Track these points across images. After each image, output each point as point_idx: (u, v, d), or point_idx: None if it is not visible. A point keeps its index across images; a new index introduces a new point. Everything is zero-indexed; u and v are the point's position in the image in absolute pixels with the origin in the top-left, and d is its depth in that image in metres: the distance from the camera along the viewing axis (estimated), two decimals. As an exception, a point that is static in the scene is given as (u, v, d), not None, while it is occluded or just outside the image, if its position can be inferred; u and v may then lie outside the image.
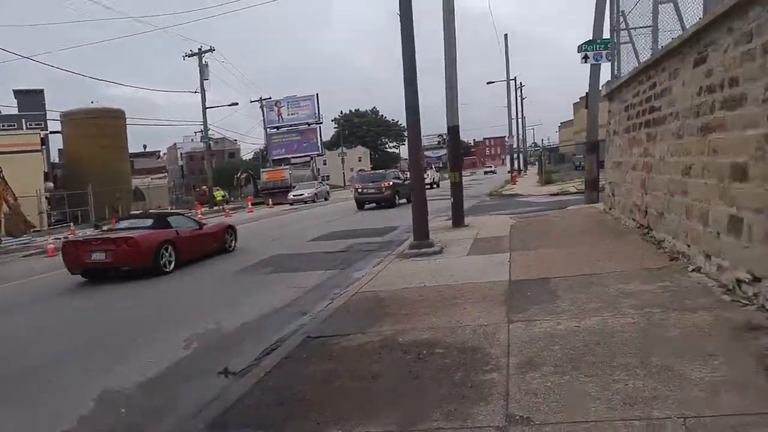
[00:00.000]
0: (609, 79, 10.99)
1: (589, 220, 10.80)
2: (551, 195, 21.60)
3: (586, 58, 11.56)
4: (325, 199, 37.62)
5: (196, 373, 5.04)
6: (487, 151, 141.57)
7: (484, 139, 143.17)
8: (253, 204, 38.69)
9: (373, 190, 22.89)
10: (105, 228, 21.67)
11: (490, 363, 3.95)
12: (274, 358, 4.86)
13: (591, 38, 12.25)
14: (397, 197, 22.64)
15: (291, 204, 34.92)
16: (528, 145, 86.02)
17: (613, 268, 6.38)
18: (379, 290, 6.81)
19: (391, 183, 22.59)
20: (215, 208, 41.22)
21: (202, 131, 42.40)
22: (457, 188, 11.91)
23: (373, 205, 23.56)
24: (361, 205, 23.45)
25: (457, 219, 12.08)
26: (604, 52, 11.20)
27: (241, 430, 3.45)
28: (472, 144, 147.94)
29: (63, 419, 4.22)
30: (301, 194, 36.42)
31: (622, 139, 9.40)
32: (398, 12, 8.72)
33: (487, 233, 10.59)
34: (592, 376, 3.49)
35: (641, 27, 7.98)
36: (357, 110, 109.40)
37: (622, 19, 9.19)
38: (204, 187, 49.11)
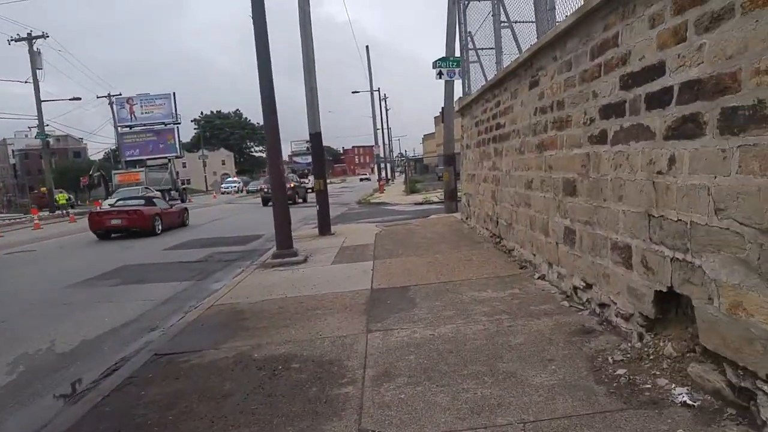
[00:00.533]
0: (461, 95, 11.67)
1: (447, 229, 11.34)
2: (416, 204, 22.45)
3: (440, 74, 12.16)
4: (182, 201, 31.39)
5: (22, 399, 4.43)
6: (357, 159, 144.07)
7: (353, 147, 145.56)
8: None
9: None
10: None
11: (347, 376, 3.91)
12: (115, 379, 4.39)
13: (444, 55, 12.92)
14: (297, 197, 28.53)
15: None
16: (395, 155, 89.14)
17: (468, 276, 6.72)
18: (236, 302, 6.50)
19: (292, 185, 27.86)
20: (57, 212, 36.91)
21: (37, 126, 37.84)
22: (322, 196, 11.86)
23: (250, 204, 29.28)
24: (266, 202, 27.36)
25: (324, 227, 12.03)
26: (456, 70, 11.86)
27: (65, 469, 3.03)
28: (342, 152, 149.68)
29: None
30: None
31: (474, 153, 10.02)
32: (251, 15, 8.43)
33: (353, 241, 10.67)
34: (444, 386, 3.58)
35: (486, 48, 8.58)
36: (219, 111, 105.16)
37: (469, 39, 9.80)
38: (43, 189, 43.88)
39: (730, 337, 2.85)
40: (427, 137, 79.65)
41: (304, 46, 11.18)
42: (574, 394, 3.28)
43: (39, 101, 36.28)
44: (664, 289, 3.52)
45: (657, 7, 3.51)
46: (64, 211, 36.05)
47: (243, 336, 5.13)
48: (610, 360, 3.69)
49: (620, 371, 3.49)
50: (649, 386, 3.23)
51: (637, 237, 3.87)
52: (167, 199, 37.28)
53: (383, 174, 44.88)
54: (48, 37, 35.89)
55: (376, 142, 41.65)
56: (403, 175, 44.70)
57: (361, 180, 76.17)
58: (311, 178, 34.56)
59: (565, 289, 5.43)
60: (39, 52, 35.33)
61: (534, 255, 6.53)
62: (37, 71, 35.55)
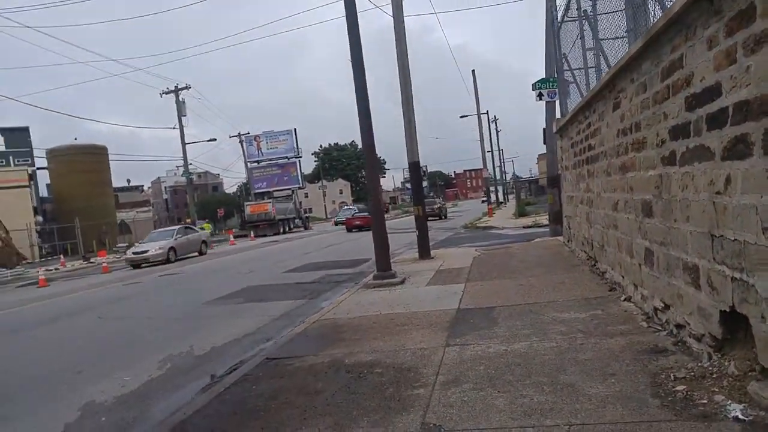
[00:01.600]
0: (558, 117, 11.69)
1: (547, 252, 11.33)
2: (524, 227, 22.18)
3: (540, 96, 12.28)
4: (200, 253, 26.64)
5: (168, 387, 5.56)
6: (468, 183, 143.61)
7: (464, 170, 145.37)
8: (235, 236, 38.91)
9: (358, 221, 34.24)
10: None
11: (420, 380, 4.35)
12: (234, 376, 5.25)
13: (544, 76, 13.01)
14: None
15: (134, 267, 23.02)
16: (509, 176, 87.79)
17: (555, 298, 6.84)
18: (337, 318, 7.20)
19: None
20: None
21: (183, 166, 42.82)
22: (421, 222, 12.41)
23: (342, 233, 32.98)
24: (348, 228, 34.71)
25: (423, 251, 12.54)
26: (556, 90, 11.91)
27: (196, 433, 3.83)
28: (453, 176, 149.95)
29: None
30: (145, 251, 23.26)
31: (572, 174, 10.02)
32: (350, 59, 9.31)
33: (450, 265, 11.06)
34: (505, 392, 3.90)
35: (577, 69, 8.66)
36: (336, 144, 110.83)
37: (564, 60, 9.90)
38: (188, 220, 49.30)
39: (778, 353, 2.91)
40: (541, 157, 77.59)
41: (402, 81, 11.96)
42: (626, 404, 3.45)
43: (184, 144, 41.04)
44: (727, 309, 3.57)
45: (713, 29, 3.64)
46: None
47: (339, 345, 5.77)
48: (672, 377, 3.77)
49: (680, 387, 3.58)
50: (705, 401, 3.32)
51: (703, 257, 3.93)
52: (291, 227, 42.49)
53: (494, 197, 44.52)
54: (190, 88, 40.72)
55: (485, 166, 41.59)
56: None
57: (483, 202, 75.01)
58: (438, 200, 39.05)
59: (647, 310, 5.43)
60: (183, 102, 40.15)
61: (622, 277, 6.52)
62: (182, 118, 40.32)
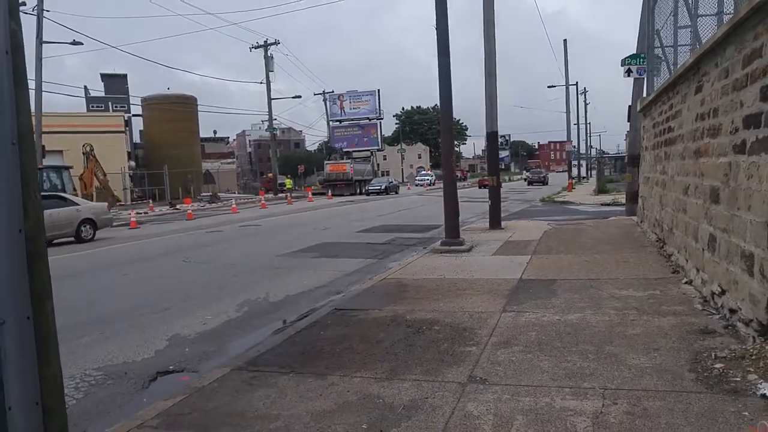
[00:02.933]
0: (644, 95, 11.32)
1: (618, 231, 11.22)
2: (602, 205, 21.67)
3: (629, 72, 11.89)
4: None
5: (245, 328, 6.28)
6: (552, 155, 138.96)
7: (549, 142, 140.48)
8: (313, 194, 40.42)
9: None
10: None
11: (474, 340, 4.78)
12: (305, 322, 5.88)
13: (635, 52, 12.53)
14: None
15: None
16: (595, 151, 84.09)
17: (617, 276, 6.98)
18: (403, 278, 7.72)
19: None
20: (279, 195, 43.29)
21: (268, 121, 44.53)
22: (494, 192, 12.58)
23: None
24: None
25: (494, 221, 12.76)
26: (645, 67, 11.49)
27: (268, 367, 4.49)
28: (537, 147, 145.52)
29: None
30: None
31: (651, 155, 9.82)
32: (434, 26, 9.47)
33: (519, 237, 11.24)
34: (551, 356, 4.25)
35: (668, 46, 8.40)
36: (418, 107, 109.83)
37: (656, 37, 9.56)
38: (270, 174, 51.55)
39: (811, 340, 3.08)
40: (629, 134, 73.60)
41: (486, 51, 12.00)
42: (662, 375, 3.72)
43: (270, 99, 42.73)
44: (774, 296, 3.70)
45: (790, 23, 3.66)
46: (287, 194, 42.10)
47: (401, 303, 6.29)
48: (714, 356, 3.96)
49: (718, 365, 3.79)
50: (738, 379, 3.52)
51: (758, 246, 4.03)
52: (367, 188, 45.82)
53: (573, 172, 43.19)
54: (279, 43, 41.95)
55: (569, 138, 40.29)
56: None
57: (562, 171, 69.95)
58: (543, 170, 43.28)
59: (705, 294, 5.51)
60: (272, 57, 41.58)
61: (686, 260, 6.54)
62: (269, 73, 41.79)
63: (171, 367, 5.13)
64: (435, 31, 9.89)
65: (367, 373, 4.17)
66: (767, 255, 3.82)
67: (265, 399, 3.84)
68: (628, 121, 14.27)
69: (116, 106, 51.36)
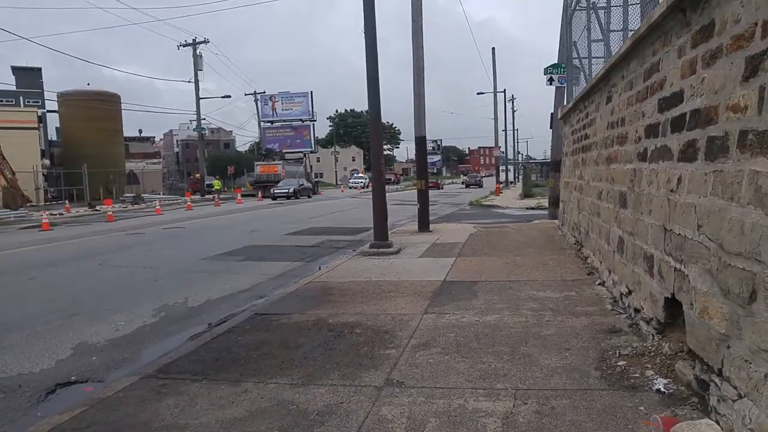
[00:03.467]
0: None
1: (540, 234, 11.66)
2: (527, 208, 22.44)
3: (551, 80, 12.41)
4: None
5: (160, 334, 5.98)
6: (482, 160, 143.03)
7: (479, 147, 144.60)
8: (243, 195, 39.45)
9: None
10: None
11: (394, 342, 4.78)
12: (223, 327, 5.68)
13: (556, 62, 13.10)
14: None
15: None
16: (523, 157, 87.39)
17: (536, 277, 7.22)
18: (329, 281, 7.63)
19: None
20: (207, 196, 41.93)
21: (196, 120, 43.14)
22: (422, 196, 12.74)
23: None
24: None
25: (423, 224, 12.92)
26: (566, 76, 12.04)
27: (180, 374, 4.28)
28: (467, 152, 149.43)
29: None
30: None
31: (570, 161, 10.28)
32: (362, 29, 9.51)
33: (446, 239, 11.44)
34: (467, 357, 4.31)
35: (585, 57, 8.83)
36: (353, 110, 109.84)
37: (574, 48, 10.03)
38: (197, 175, 49.85)
39: (700, 337, 3.28)
40: (556, 141, 76.94)
41: (414, 56, 12.14)
42: (570, 374, 3.86)
43: (198, 98, 41.38)
44: (669, 296, 3.93)
45: (683, 39, 3.90)
46: (213, 196, 40.83)
47: (325, 306, 6.20)
48: (618, 354, 4.16)
49: (621, 363, 3.98)
50: (637, 375, 3.71)
51: (657, 248, 4.27)
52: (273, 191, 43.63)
53: (503, 177, 44.70)
54: (209, 42, 40.76)
55: (497, 144, 41.61)
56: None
57: (486, 176, 74.06)
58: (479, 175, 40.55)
59: (615, 294, 5.80)
60: (200, 56, 40.30)
61: (600, 262, 6.87)
62: (198, 72, 40.49)
63: (74, 378, 4.80)
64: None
65: (283, 379, 4.06)
66: (664, 257, 4.06)
67: (173, 408, 3.66)
68: (551, 128, 14.88)
69: (29, 101, 47.99)
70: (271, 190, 38.72)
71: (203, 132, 46.23)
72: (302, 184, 41.00)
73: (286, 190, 37.87)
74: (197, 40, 40.58)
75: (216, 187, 44.18)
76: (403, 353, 4.48)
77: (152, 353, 5.28)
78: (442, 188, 54.90)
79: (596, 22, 8.51)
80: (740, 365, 2.74)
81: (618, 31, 8.14)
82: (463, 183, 63.25)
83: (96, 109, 43.43)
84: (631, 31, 5.35)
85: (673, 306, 3.99)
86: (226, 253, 11.56)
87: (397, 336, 4.96)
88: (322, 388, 3.85)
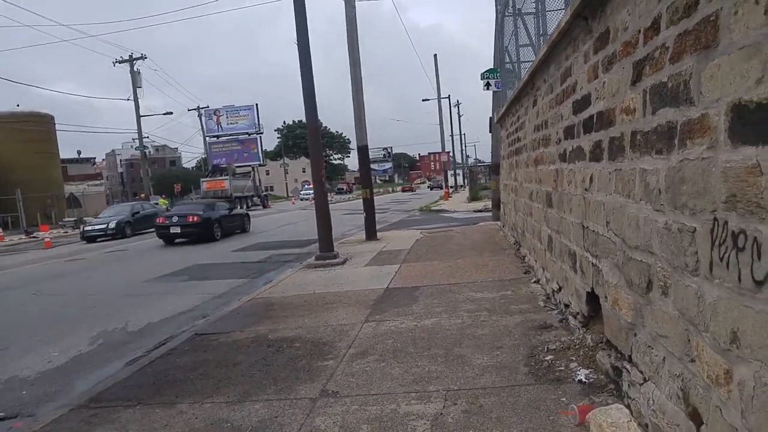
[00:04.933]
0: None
1: (482, 237, 11.94)
2: (474, 211, 22.89)
3: (488, 85, 12.77)
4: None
5: (97, 362, 5.81)
6: (432, 166, 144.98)
7: (429, 153, 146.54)
8: (190, 213, 38.44)
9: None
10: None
11: (332, 353, 4.80)
12: (161, 350, 5.57)
13: (492, 66, 13.50)
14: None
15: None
16: (472, 160, 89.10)
17: (475, 279, 7.39)
18: (271, 296, 7.58)
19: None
20: (152, 216, 40.75)
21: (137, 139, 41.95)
22: (368, 204, 12.83)
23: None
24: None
25: (370, 233, 12.99)
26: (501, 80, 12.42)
27: (113, 401, 4.18)
28: (418, 158, 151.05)
29: None
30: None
31: (506, 163, 10.60)
32: (296, 41, 9.55)
33: (393, 246, 11.54)
34: (403, 362, 4.38)
35: (514, 62, 9.15)
36: (300, 121, 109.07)
37: (506, 53, 10.38)
38: (142, 195, 48.38)
39: (614, 327, 3.46)
40: (502, 144, 78.81)
41: (352, 68, 12.26)
42: (500, 372, 3.98)
43: (138, 116, 40.18)
44: (590, 290, 4.12)
45: (587, 45, 4.12)
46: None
47: (266, 322, 6.16)
48: (546, 349, 4.32)
49: (548, 357, 4.13)
50: (562, 368, 3.87)
51: (578, 245, 4.47)
52: (249, 205, 40.53)
53: (451, 182, 45.52)
54: (146, 58, 39.71)
55: (443, 149, 42.37)
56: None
57: (431, 189, 77.48)
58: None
59: (548, 291, 6.02)
60: (139, 72, 39.18)
61: (535, 261, 7.11)
62: (137, 89, 39.38)
63: (2, 414, 4.59)
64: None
65: (219, 398, 4.02)
66: (584, 253, 4.25)
67: (102, 438, 3.56)
68: (490, 131, 15.28)
69: (-49, 125, 45.39)
70: (81, 228, 24.93)
71: (146, 150, 44.99)
72: (136, 212, 25.64)
73: (103, 226, 23.07)
74: (134, 56, 39.50)
75: (162, 206, 43.02)
76: (340, 363, 4.51)
77: (87, 383, 5.12)
78: (414, 191, 66.87)
79: (523, 27, 8.85)
80: (644, 351, 2.91)
81: (542, 35, 8.50)
82: (428, 187, 78.81)
83: (28, 132, 41.54)
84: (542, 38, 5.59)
85: (595, 300, 4.19)
86: (171, 274, 11.29)
87: (336, 347, 4.99)
88: (258, 404, 3.83)
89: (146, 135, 43.17)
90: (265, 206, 49.99)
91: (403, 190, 74.39)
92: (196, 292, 9.18)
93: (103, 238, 22.75)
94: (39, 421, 4.09)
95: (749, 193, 1.77)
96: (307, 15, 10.08)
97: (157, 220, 19.19)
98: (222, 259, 13.12)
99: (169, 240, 18.37)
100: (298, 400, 3.83)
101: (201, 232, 17.93)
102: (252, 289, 8.94)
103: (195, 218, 17.94)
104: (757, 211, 1.73)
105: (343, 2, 12.61)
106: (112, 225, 23.06)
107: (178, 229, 17.98)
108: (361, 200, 13.62)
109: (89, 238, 22.86)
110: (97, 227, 23.28)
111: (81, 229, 23.70)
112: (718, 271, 2.03)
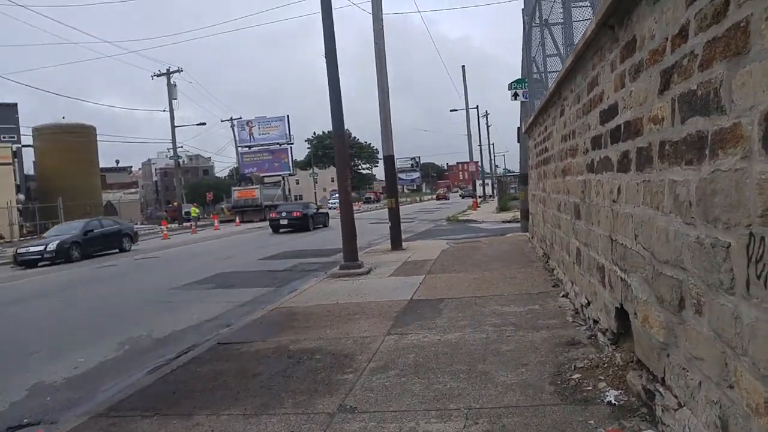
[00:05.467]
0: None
1: (510, 248, 11.72)
2: (502, 222, 22.57)
3: (516, 95, 12.60)
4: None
5: (121, 368, 5.87)
6: (461, 175, 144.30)
7: (457, 163, 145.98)
8: (220, 221, 39.13)
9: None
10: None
11: (353, 366, 4.72)
12: (183, 359, 5.58)
13: (520, 77, 13.34)
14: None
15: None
16: (501, 170, 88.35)
17: (502, 292, 7.22)
18: (295, 306, 7.55)
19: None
20: (185, 224, 41.52)
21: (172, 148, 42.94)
22: (393, 213, 12.76)
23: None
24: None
25: (395, 242, 12.91)
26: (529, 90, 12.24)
27: (132, 411, 4.18)
28: (446, 168, 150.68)
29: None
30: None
31: (535, 174, 10.40)
32: (324, 55, 9.61)
33: (418, 257, 11.43)
34: (424, 378, 4.27)
35: (541, 72, 8.99)
36: (330, 132, 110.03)
37: (534, 63, 10.23)
38: (175, 203, 49.44)
39: (645, 346, 3.30)
40: (533, 153, 78.13)
41: (379, 79, 12.28)
42: (525, 390, 3.83)
43: (173, 127, 41.22)
44: (619, 306, 3.95)
45: (614, 54, 3.98)
46: (191, 224, 40.42)
47: (288, 332, 6.12)
48: (573, 367, 4.16)
49: (575, 376, 3.97)
50: (590, 388, 3.70)
51: (606, 258, 4.30)
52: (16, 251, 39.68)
53: (478, 191, 45.22)
54: (182, 71, 40.71)
55: (471, 160, 42.11)
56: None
57: (462, 198, 78.50)
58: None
59: (577, 306, 5.82)
60: (175, 85, 40.23)
61: (564, 274, 6.91)
62: (173, 101, 40.36)
63: (26, 420, 4.66)
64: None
65: (236, 410, 3.98)
66: (612, 266, 4.09)
67: (119, 449, 3.55)
68: (518, 141, 15.07)
69: (4, 137, 47.43)
70: (16, 250, 19.68)
71: (180, 160, 46.01)
72: (88, 230, 20.32)
73: (40, 248, 18.79)
74: (171, 70, 40.57)
75: (193, 215, 43.91)
76: (360, 377, 4.42)
77: (111, 390, 5.17)
78: (449, 199, 71.75)
79: (550, 37, 8.70)
80: (679, 373, 2.75)
81: (569, 45, 8.32)
82: (460, 195, 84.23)
83: (71, 142, 43.21)
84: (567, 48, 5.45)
85: (624, 316, 4.01)
86: (197, 282, 11.41)
87: (357, 359, 4.90)
88: (275, 418, 3.77)
89: (180, 145, 44.29)
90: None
91: (438, 198, 79.58)
92: (221, 301, 9.23)
93: (42, 263, 18.44)
94: (59, 429, 4.13)
95: (788, 207, 1.63)
96: (335, 29, 10.14)
97: (271, 215, 27.06)
98: (249, 268, 13.20)
99: (276, 229, 25.56)
100: (315, 415, 3.76)
101: (301, 224, 25.22)
102: (276, 298, 8.94)
103: (297, 213, 25.58)
104: (798, 228, 1.59)
105: (371, 17, 12.65)
106: (51, 247, 18.59)
107: (285, 221, 25.43)
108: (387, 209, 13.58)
109: (26, 263, 18.51)
110: (32, 250, 18.97)
111: (14, 252, 19.56)
112: (755, 290, 1.89)
